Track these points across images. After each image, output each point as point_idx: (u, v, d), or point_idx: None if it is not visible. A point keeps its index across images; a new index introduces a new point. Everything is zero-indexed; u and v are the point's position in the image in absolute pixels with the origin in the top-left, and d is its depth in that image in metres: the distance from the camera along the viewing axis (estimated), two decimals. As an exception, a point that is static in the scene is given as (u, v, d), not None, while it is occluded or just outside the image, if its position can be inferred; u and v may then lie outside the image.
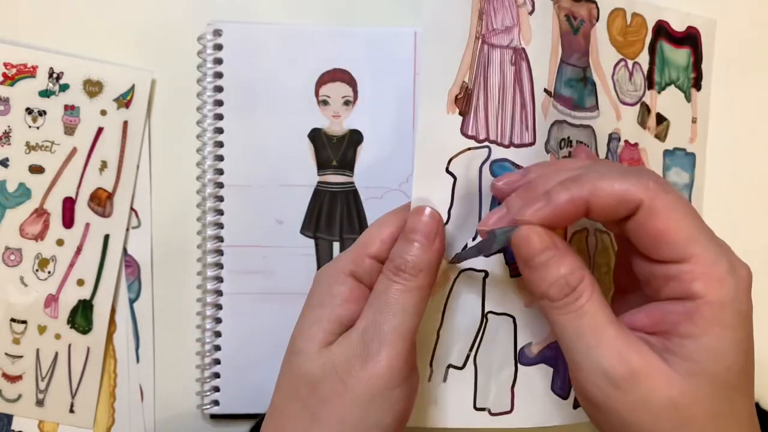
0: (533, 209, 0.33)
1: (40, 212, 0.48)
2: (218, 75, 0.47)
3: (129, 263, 0.48)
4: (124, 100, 0.48)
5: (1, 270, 0.48)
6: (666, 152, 0.47)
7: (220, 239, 0.48)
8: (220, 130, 0.47)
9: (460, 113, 0.37)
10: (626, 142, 0.44)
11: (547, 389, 0.41)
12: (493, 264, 0.39)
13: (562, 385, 0.41)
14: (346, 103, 0.48)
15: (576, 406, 0.41)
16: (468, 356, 0.40)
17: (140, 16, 0.48)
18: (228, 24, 0.48)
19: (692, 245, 0.32)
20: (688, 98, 0.47)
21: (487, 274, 0.39)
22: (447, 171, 0.37)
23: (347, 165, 0.48)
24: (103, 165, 0.48)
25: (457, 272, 0.38)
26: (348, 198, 0.48)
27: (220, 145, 0.48)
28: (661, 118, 0.46)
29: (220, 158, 0.48)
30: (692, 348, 0.32)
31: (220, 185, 0.48)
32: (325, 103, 0.48)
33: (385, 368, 0.34)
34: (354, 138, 0.48)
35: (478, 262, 0.39)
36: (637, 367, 0.32)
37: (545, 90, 0.39)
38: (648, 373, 0.32)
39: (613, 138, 0.43)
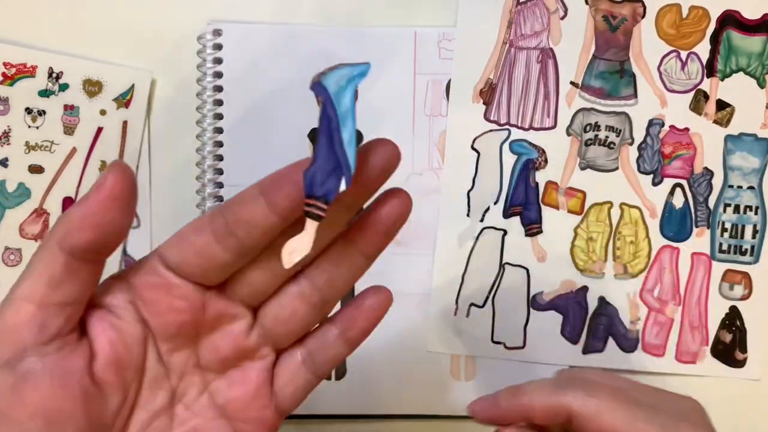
0: (481, 402, 0.35)
1: (40, 212, 0.48)
2: (218, 75, 0.47)
3: (129, 263, 0.48)
4: (124, 100, 0.48)
5: (1, 270, 0.48)
6: (729, 137, 0.48)
7: (220, 239, 0.48)
8: (219, 130, 0.47)
9: (484, 103, 0.47)
10: (672, 126, 0.48)
11: (556, 333, 0.48)
12: (512, 224, 0.48)
13: (571, 331, 0.48)
14: (346, 103, 0.48)
15: (585, 351, 0.48)
16: (487, 297, 0.48)
17: (140, 15, 0.48)
18: (228, 24, 0.48)
19: (633, 429, 0.32)
20: (762, 84, 0.48)
21: (505, 232, 0.48)
22: (472, 147, 0.47)
23: (347, 165, 0.48)
24: (103, 165, 0.48)
25: (481, 229, 0.47)
26: (348, 198, 0.48)
27: (219, 145, 0.47)
28: (722, 104, 0.48)
29: (220, 158, 0.47)
30: None
31: (220, 185, 0.48)
32: (325, 103, 0.48)
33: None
34: (354, 138, 0.48)
35: (499, 222, 0.48)
36: None
37: (571, 82, 0.47)
38: None
39: (654, 123, 0.48)
